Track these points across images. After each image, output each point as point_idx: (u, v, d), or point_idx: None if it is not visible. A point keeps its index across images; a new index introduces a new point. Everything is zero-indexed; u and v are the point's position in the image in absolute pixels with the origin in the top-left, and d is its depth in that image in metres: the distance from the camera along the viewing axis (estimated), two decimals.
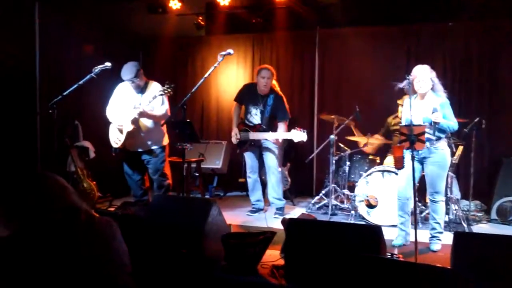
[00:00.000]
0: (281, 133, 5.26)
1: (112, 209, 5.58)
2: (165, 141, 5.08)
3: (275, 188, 5.48)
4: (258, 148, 5.50)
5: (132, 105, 4.78)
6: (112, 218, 1.79)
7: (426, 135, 4.12)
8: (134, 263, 1.78)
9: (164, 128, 4.98)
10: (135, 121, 4.75)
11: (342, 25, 6.77)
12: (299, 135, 5.11)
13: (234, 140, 5.48)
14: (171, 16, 7.18)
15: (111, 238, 1.66)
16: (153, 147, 4.99)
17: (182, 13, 7.09)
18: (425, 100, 4.25)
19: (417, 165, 4.23)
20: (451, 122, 4.16)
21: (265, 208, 5.69)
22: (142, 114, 4.70)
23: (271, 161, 5.43)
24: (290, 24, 7.06)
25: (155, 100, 4.72)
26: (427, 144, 4.13)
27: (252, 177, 5.59)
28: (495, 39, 6.34)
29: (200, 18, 7.32)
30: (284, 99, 5.46)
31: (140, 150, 4.99)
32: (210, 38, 7.79)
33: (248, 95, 5.52)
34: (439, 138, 4.18)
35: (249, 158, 5.54)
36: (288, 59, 7.36)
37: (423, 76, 4.19)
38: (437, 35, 6.61)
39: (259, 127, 5.39)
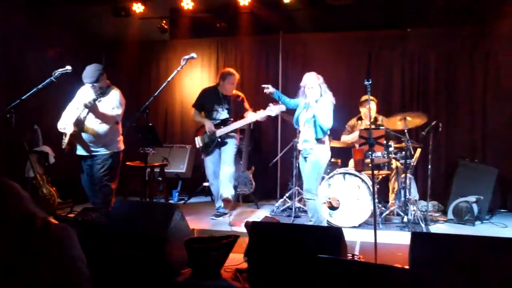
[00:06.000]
0: (256, 114, 5.24)
1: (72, 215, 5.45)
2: (116, 147, 4.66)
3: (227, 182, 5.41)
4: (219, 150, 5.50)
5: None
6: (72, 224, 1.76)
7: (305, 136, 4.52)
8: (93, 270, 1.76)
9: (118, 132, 4.69)
10: (77, 123, 4.49)
11: (305, 31, 6.88)
12: (275, 109, 5.04)
13: (211, 128, 5.38)
14: (135, 20, 7.11)
15: (68, 245, 1.64)
16: (97, 152, 4.59)
17: (145, 16, 7.03)
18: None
19: (303, 162, 4.60)
20: (322, 121, 4.43)
21: (229, 212, 5.69)
22: (92, 107, 4.35)
23: (227, 156, 5.44)
24: (254, 28, 7.11)
25: (109, 101, 4.58)
26: (306, 144, 4.51)
27: (215, 184, 5.58)
28: (452, 46, 6.62)
29: (164, 21, 7.28)
30: (243, 96, 5.59)
31: (83, 154, 4.62)
32: (174, 42, 7.76)
33: (210, 98, 5.55)
34: (318, 141, 4.48)
35: (211, 163, 5.53)
36: (252, 63, 7.42)
37: (311, 83, 4.50)
38: (397, 41, 6.82)
39: (228, 122, 5.40)
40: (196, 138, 5.59)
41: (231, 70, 5.61)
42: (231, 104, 5.48)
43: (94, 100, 4.35)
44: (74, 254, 1.65)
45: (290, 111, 5.14)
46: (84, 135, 4.57)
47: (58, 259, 1.60)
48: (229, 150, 5.46)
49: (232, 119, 5.40)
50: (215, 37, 7.54)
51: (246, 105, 5.53)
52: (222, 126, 5.41)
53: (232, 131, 5.45)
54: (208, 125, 5.43)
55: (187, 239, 3.38)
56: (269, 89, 4.85)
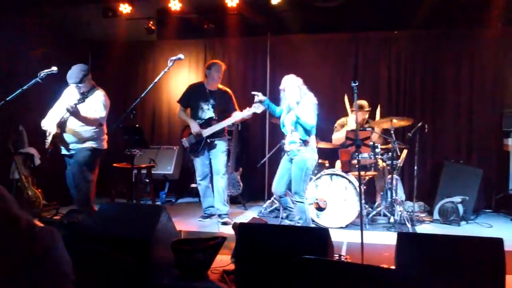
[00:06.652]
0: (242, 113, 5.16)
1: (57, 217, 5.40)
2: (100, 145, 4.73)
3: (220, 194, 5.40)
4: (208, 152, 5.44)
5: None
6: (57, 226, 1.75)
7: (292, 138, 4.50)
8: (78, 273, 1.75)
9: (102, 132, 4.73)
10: (60, 124, 4.52)
11: (293, 32, 6.90)
12: (260, 106, 4.94)
13: (196, 129, 5.32)
14: (122, 20, 7.07)
15: (52, 247, 1.63)
16: (75, 148, 4.65)
17: (132, 17, 7.00)
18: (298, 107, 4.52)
19: (289, 165, 4.60)
20: (304, 119, 4.42)
21: (216, 214, 5.67)
22: (74, 112, 4.39)
23: (220, 165, 5.39)
24: (242, 30, 7.11)
25: (93, 103, 4.57)
26: (293, 145, 4.51)
27: (202, 184, 5.52)
28: (438, 48, 6.68)
29: (151, 22, 7.24)
30: (231, 93, 5.51)
31: (64, 153, 4.70)
32: (162, 43, 7.73)
33: (195, 94, 5.47)
34: (304, 142, 4.48)
35: (200, 164, 5.46)
36: (240, 64, 7.42)
37: (290, 85, 4.50)
38: (384, 43, 6.89)
39: (212, 122, 5.32)
40: (182, 140, 5.51)
41: (218, 61, 5.57)
42: (217, 100, 5.38)
43: (76, 104, 4.36)
44: (58, 256, 1.64)
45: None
46: (66, 136, 4.61)
47: (42, 261, 1.59)
48: (220, 157, 5.37)
49: (216, 118, 5.33)
50: (202, 39, 7.52)
51: (235, 104, 5.43)
52: (207, 126, 5.33)
53: (220, 134, 5.39)
54: (193, 125, 5.35)
55: (174, 240, 3.37)
56: (259, 96, 4.82)
